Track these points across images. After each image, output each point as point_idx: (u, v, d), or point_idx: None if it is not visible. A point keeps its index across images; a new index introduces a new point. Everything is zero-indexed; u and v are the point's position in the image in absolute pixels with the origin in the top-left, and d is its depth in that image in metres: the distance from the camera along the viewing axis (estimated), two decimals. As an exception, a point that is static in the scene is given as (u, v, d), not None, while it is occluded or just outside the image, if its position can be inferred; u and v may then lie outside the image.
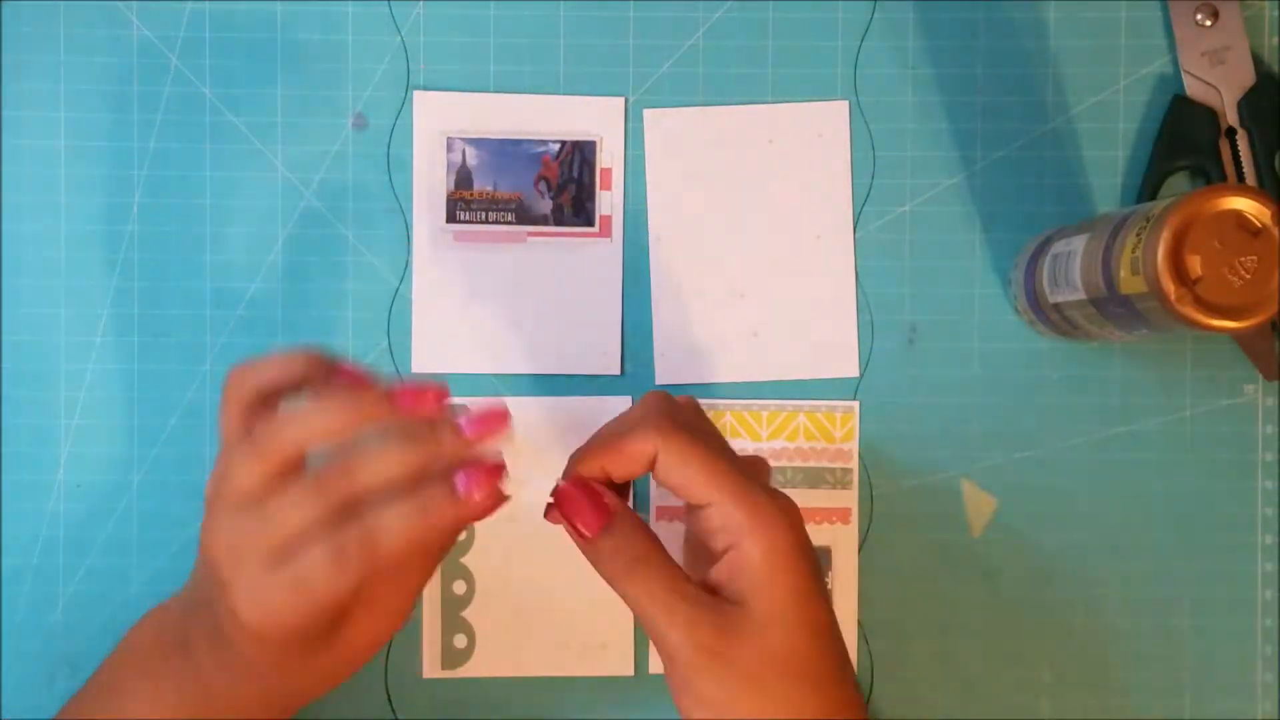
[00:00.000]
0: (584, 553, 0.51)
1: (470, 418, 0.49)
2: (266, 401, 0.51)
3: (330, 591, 0.48)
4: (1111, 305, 0.55)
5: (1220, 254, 0.51)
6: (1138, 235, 0.53)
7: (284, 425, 0.48)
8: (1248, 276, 0.51)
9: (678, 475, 0.50)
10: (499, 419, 0.49)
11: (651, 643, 0.50)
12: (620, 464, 0.50)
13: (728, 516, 0.49)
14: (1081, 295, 0.57)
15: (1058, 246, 0.59)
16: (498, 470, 0.49)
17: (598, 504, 0.50)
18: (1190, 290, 0.51)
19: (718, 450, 0.51)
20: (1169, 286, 0.51)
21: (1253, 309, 0.51)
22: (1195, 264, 0.51)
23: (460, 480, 0.48)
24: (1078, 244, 0.57)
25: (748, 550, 0.49)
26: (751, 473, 0.51)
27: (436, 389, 0.49)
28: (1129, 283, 0.53)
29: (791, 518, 0.50)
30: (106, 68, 0.64)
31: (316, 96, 0.65)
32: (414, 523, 0.47)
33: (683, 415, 0.52)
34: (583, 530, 0.50)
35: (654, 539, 0.50)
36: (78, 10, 0.64)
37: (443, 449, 0.49)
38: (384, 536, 0.47)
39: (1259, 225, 0.51)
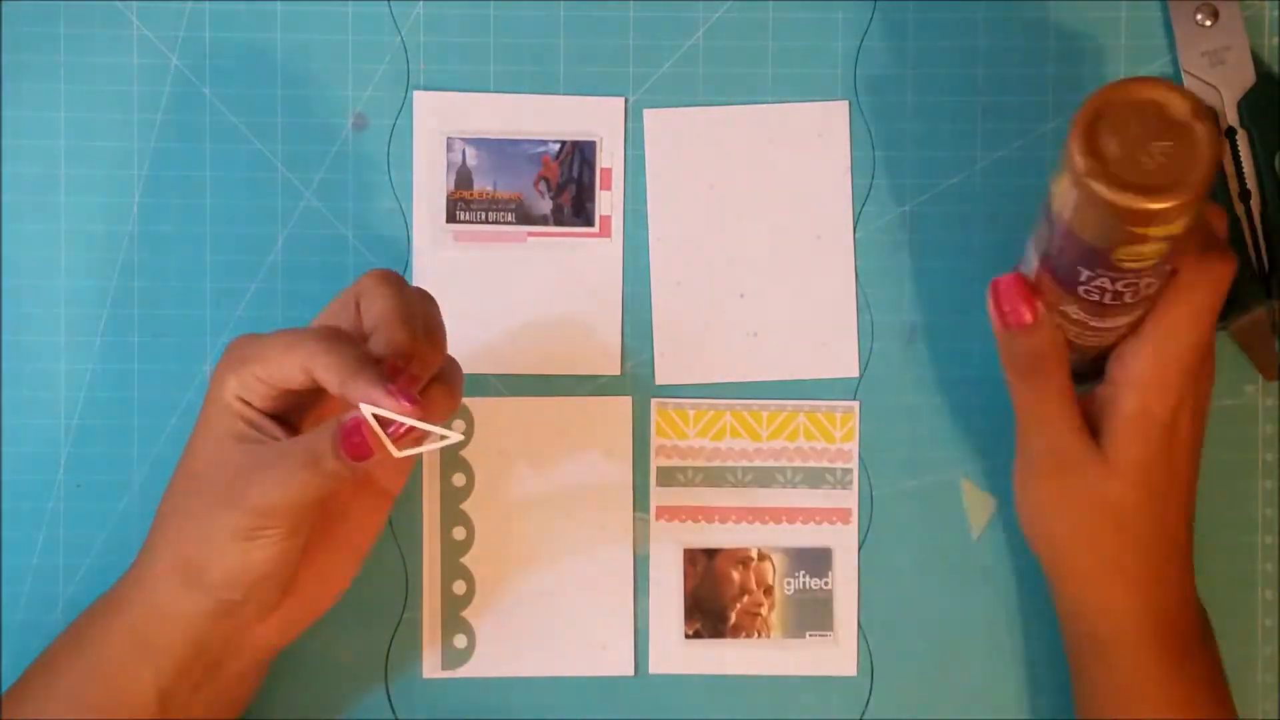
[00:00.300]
0: (999, 339, 0.58)
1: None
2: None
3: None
4: (1052, 248, 0.54)
5: (1138, 139, 0.50)
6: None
7: None
8: (1164, 160, 0.50)
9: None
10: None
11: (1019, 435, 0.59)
12: None
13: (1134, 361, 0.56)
14: (1034, 263, 0.56)
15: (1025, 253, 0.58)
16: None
17: (1030, 302, 0.56)
18: (1102, 165, 0.50)
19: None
20: (1080, 160, 0.50)
21: (1169, 190, 0.49)
22: (1111, 144, 0.50)
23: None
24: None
25: (1121, 402, 0.56)
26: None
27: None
28: (1056, 195, 0.52)
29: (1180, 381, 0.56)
30: (106, 68, 0.64)
31: (316, 96, 0.65)
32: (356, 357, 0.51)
33: None
34: (1010, 319, 0.56)
35: (1062, 345, 0.57)
36: (78, 10, 0.64)
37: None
38: None
39: (1178, 118, 0.50)
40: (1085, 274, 0.54)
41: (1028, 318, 0.56)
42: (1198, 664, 0.59)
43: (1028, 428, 0.58)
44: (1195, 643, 0.59)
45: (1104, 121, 0.50)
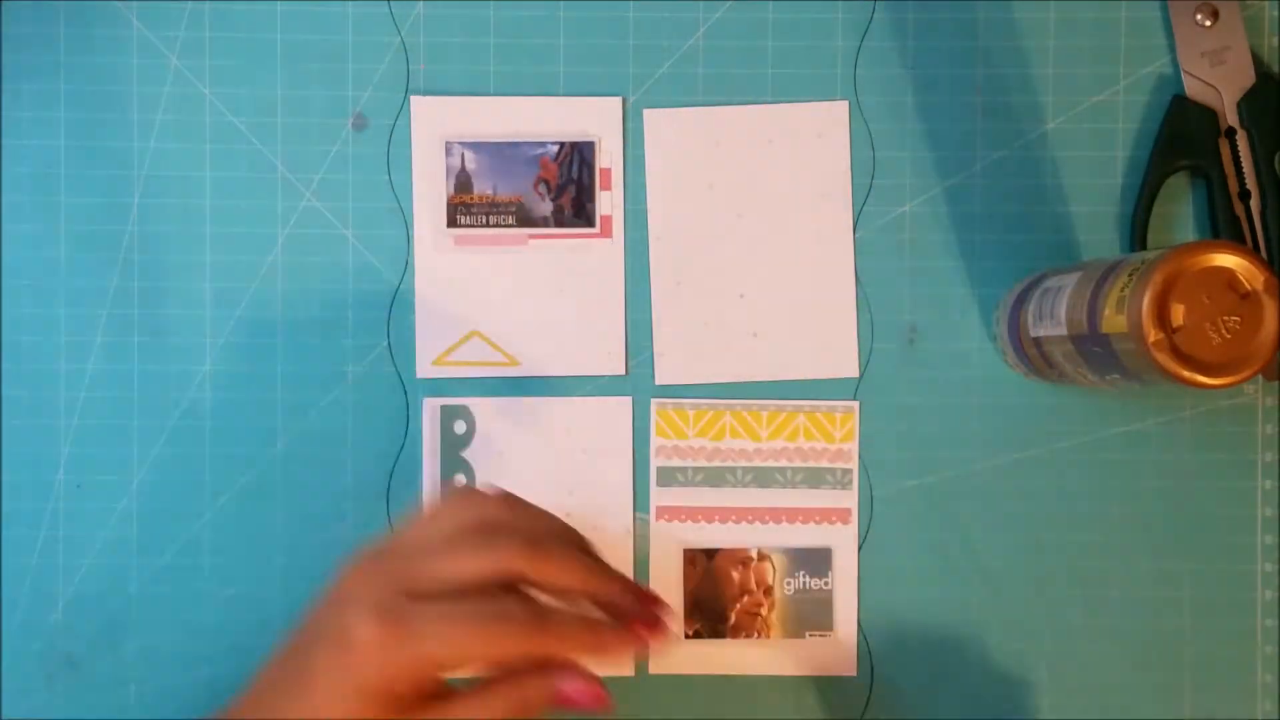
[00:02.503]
0: None
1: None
2: None
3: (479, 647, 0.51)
4: (1090, 344, 0.55)
5: (1206, 309, 0.51)
6: (1129, 276, 0.53)
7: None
8: (1228, 336, 0.51)
9: None
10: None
11: None
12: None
13: None
14: (1063, 331, 0.57)
15: (1050, 281, 0.59)
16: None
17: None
18: (1169, 337, 0.51)
19: None
20: (1149, 329, 0.51)
21: (1227, 368, 0.51)
22: (1179, 313, 0.51)
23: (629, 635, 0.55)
24: (1069, 280, 0.57)
25: None
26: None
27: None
28: (1111, 321, 0.53)
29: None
30: (106, 68, 0.64)
31: (316, 96, 0.64)
32: (583, 632, 0.53)
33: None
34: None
35: None
36: (78, 10, 0.64)
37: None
38: (555, 627, 0.52)
39: (1248, 288, 0.51)
40: (1100, 360, 0.54)
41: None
42: None
43: None
44: None
45: (1175, 291, 0.51)
